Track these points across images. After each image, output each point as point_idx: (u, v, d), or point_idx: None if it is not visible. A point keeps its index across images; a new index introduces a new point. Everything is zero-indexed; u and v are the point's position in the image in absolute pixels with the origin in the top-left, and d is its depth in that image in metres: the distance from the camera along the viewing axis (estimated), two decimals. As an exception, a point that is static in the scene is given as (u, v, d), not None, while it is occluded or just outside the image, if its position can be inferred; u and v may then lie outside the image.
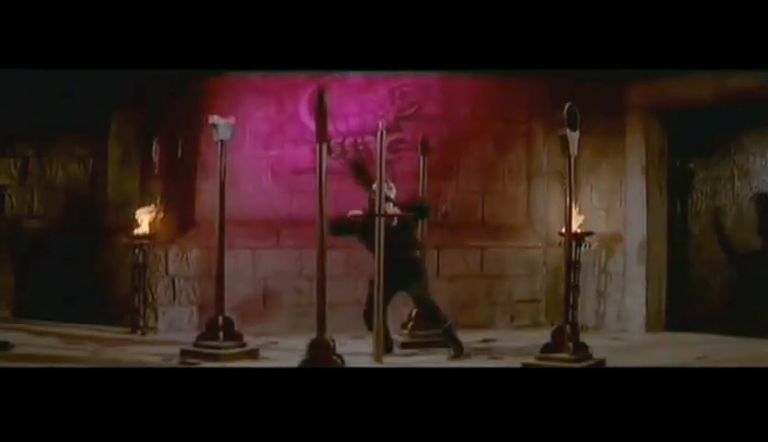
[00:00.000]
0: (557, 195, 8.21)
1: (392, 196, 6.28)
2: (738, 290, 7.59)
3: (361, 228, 6.24)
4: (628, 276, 8.00)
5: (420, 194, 6.92)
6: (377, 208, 6.08)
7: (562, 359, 5.46)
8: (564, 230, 6.16)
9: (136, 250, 7.67)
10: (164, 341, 7.12)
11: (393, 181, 6.40)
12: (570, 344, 5.51)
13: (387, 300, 6.25)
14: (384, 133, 6.18)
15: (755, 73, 6.51)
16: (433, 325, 6.48)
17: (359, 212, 6.27)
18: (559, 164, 7.56)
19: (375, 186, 6.12)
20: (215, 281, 6.37)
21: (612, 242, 8.11)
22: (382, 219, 6.07)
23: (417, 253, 6.53)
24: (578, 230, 7.16)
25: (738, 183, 7.68)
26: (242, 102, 8.08)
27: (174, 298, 8.00)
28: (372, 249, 6.10)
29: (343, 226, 6.22)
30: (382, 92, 8.36)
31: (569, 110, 5.61)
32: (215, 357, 6.03)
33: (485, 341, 7.12)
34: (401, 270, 6.24)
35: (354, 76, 8.14)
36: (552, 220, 8.25)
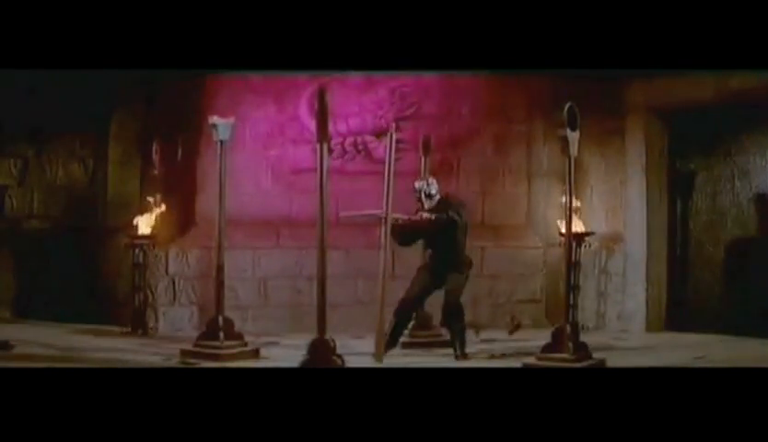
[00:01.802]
0: (557, 195, 8.20)
1: (434, 192, 6.39)
2: (737, 290, 7.58)
3: (424, 232, 6.37)
4: (628, 276, 7.99)
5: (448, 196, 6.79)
6: (383, 208, 6.14)
7: (562, 359, 5.46)
8: (563, 230, 6.16)
9: (136, 250, 7.67)
10: (164, 341, 7.11)
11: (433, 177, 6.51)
12: (570, 344, 5.51)
13: (422, 298, 6.49)
14: (393, 135, 6.31)
15: (756, 73, 6.51)
16: (449, 323, 6.40)
17: (373, 212, 6.30)
18: (559, 164, 7.54)
19: (417, 184, 6.38)
20: (215, 281, 6.37)
21: (612, 242, 8.11)
22: (388, 221, 6.13)
23: (458, 252, 6.41)
24: (578, 230, 7.15)
25: (738, 183, 7.67)
26: (242, 102, 8.08)
27: (174, 298, 8.00)
28: (426, 248, 6.44)
29: (407, 234, 6.34)
30: (382, 92, 8.36)
31: (569, 110, 5.61)
32: (215, 357, 6.03)
33: (486, 341, 7.11)
34: (441, 266, 6.33)
35: (354, 76, 8.14)
36: (553, 220, 8.25)
